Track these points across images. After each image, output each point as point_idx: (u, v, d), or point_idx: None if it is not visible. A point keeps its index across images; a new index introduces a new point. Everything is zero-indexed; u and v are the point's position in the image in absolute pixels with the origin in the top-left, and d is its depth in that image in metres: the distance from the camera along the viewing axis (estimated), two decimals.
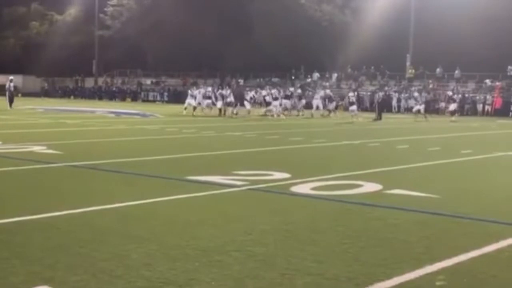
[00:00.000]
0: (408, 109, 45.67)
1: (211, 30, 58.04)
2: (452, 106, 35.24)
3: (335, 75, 54.91)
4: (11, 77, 38.39)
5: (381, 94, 38.10)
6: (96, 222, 6.66)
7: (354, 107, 32.15)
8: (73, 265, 5.01)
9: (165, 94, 60.35)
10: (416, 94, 41.71)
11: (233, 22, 58.44)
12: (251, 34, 56.57)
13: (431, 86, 48.42)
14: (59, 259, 5.20)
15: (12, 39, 75.63)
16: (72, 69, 66.94)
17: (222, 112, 32.86)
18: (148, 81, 65.68)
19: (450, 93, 38.22)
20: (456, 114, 34.93)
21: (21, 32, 75.09)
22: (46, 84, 72.19)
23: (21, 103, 40.04)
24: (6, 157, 12.19)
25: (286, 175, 10.35)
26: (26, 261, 5.11)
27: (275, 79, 56.00)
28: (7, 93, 36.53)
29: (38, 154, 12.94)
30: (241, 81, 58.13)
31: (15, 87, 38.51)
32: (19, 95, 65.87)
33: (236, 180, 9.65)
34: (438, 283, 4.84)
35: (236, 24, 58.22)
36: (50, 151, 13.46)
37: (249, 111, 33.64)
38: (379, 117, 33.14)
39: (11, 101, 35.75)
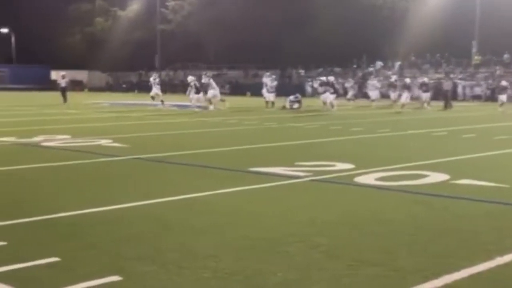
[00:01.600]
0: (475, 97, 44.51)
1: (272, 22, 58.02)
2: None
3: (397, 64, 54.03)
4: (63, 73, 38.97)
5: (450, 82, 37.03)
6: (163, 214, 6.77)
7: (427, 94, 31.92)
8: (141, 256, 5.11)
9: (227, 86, 60.76)
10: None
11: (293, 12, 58.24)
12: (311, 24, 56.26)
13: (498, 72, 47.02)
14: (128, 250, 5.31)
15: (78, 35, 77.58)
16: (135, 63, 68.16)
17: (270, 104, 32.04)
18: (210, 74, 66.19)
19: None
20: None
21: (86, 29, 76.95)
22: (110, 79, 73.76)
23: (86, 98, 41.06)
24: (75, 151, 12.53)
25: (350, 166, 10.26)
26: (96, 252, 5.25)
27: (336, 69, 55.55)
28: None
29: (105, 147, 13.25)
30: (302, 72, 57.99)
31: (67, 82, 38.54)
32: (85, 90, 67.65)
33: (299, 171, 9.64)
34: None
35: (296, 14, 58.01)
36: (117, 144, 13.76)
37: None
38: (449, 105, 32.42)
39: (64, 97, 35.72)
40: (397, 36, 52.04)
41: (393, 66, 54.18)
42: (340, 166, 10.29)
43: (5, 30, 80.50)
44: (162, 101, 31.96)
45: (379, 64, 54.53)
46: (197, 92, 29.32)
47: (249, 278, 4.62)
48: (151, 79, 34.11)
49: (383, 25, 54.34)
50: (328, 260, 5.05)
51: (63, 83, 36.77)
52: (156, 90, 33.08)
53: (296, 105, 31.02)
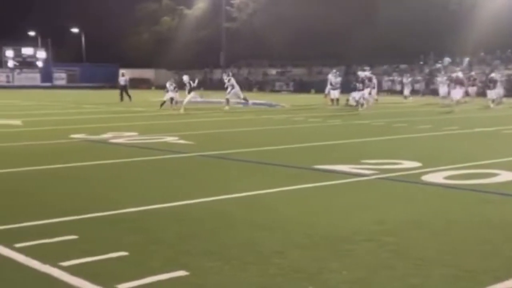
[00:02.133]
0: None
1: (336, 18, 57.59)
2: None
3: (466, 60, 52.71)
4: (122, 71, 39.18)
5: None
6: (227, 210, 6.81)
7: (497, 90, 30.72)
8: (206, 252, 5.15)
9: (291, 83, 60.72)
10: None
11: (358, 8, 57.65)
12: (376, 20, 55.55)
13: None
14: (193, 245, 5.37)
15: (145, 34, 79.05)
16: (201, 61, 68.94)
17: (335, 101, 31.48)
18: (274, 71, 66.33)
19: None
20: None
21: (153, 28, 78.31)
22: (176, 77, 74.86)
23: (153, 95, 41.74)
24: (142, 148, 12.77)
25: (417, 164, 10.06)
26: (162, 247, 5.32)
27: (402, 66, 54.66)
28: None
29: (171, 144, 13.44)
30: (367, 69, 57.27)
31: (127, 80, 38.44)
32: (152, 88, 68.88)
33: (364, 169, 9.52)
34: None
35: (360, 11, 57.39)
36: (182, 141, 13.94)
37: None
38: None
39: (122, 95, 35.95)
40: (465, 31, 50.75)
41: (461, 63, 52.90)
42: (406, 164, 10.11)
43: (75, 30, 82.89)
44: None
45: (447, 60, 53.33)
46: (189, 91, 27.74)
47: (314, 275, 4.59)
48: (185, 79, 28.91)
49: (451, 20, 53.08)
50: (395, 260, 4.96)
51: (122, 81, 37.17)
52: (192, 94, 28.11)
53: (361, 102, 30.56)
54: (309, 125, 19.27)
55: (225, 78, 29.71)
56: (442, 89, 33.69)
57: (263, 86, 62.90)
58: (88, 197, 7.59)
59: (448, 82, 32.25)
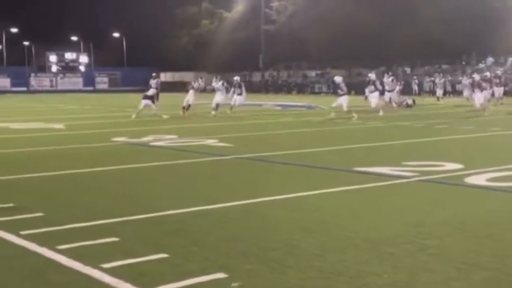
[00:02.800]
0: None
1: (375, 18, 57.11)
2: None
3: (510, 60, 51.68)
4: (154, 74, 37.46)
5: None
6: (266, 213, 6.81)
7: None
8: (246, 254, 5.16)
9: (331, 85, 60.43)
10: None
11: (397, 8, 57.07)
12: (416, 20, 54.90)
13: None
14: (233, 247, 5.38)
15: (185, 37, 79.71)
16: (240, 64, 69.15)
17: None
18: (313, 73, 66.14)
19: None
20: None
21: (193, 31, 78.90)
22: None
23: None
24: (183, 150, 12.87)
25: (459, 166, 9.91)
26: (203, 249, 5.35)
27: (444, 66, 53.90)
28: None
29: (211, 147, 13.52)
30: (408, 70, 56.72)
31: (158, 83, 35.24)
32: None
33: (405, 171, 9.42)
34: None
35: (400, 10, 56.81)
36: (222, 144, 14.00)
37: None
38: None
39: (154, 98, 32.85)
40: (509, 29, 49.75)
41: (505, 63, 51.90)
42: (448, 166, 9.96)
43: (117, 35, 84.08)
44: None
45: (490, 60, 52.36)
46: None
47: (355, 278, 4.56)
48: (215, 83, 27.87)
49: (494, 18, 52.02)
50: (437, 263, 4.89)
51: (153, 84, 35.20)
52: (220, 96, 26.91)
53: (405, 103, 30.18)
54: (349, 127, 19.15)
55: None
56: (466, 92, 31.62)
57: (302, 88, 62.78)
58: (129, 199, 7.69)
59: (469, 85, 30.72)
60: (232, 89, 27.20)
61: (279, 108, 31.67)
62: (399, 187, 8.44)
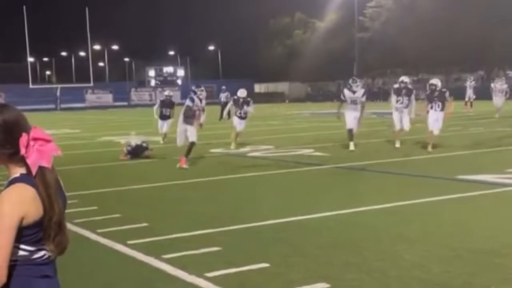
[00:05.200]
0: None
1: (475, 20, 55.33)
2: None
3: None
4: (223, 87, 34.86)
5: None
6: (366, 222, 6.75)
7: None
8: (347, 263, 5.14)
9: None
10: None
11: (498, 8, 55.06)
12: None
13: None
14: (333, 257, 5.37)
15: (278, 48, 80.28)
16: (334, 72, 68.87)
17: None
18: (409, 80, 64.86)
19: None
20: None
21: (286, 41, 79.35)
22: (309, 89, 75.28)
23: (287, 108, 42.28)
24: (279, 160, 12.96)
25: None
26: (303, 258, 5.37)
27: None
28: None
29: (307, 156, 13.53)
30: (511, 73, 54.44)
31: (228, 97, 30.69)
32: (286, 101, 69.73)
33: (510, 179, 9.07)
34: None
35: (503, 10, 54.77)
36: (318, 153, 13.99)
37: None
38: None
39: (222, 112, 30.26)
40: None
41: None
42: None
43: (212, 48, 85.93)
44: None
45: None
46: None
47: None
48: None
49: None
50: None
51: (223, 97, 33.54)
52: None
53: None
54: (449, 134, 18.63)
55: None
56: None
57: None
58: (229, 209, 7.83)
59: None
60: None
61: (374, 116, 31.28)
62: (503, 195, 8.14)
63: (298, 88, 76.27)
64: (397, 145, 14.93)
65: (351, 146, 14.32)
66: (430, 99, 14.50)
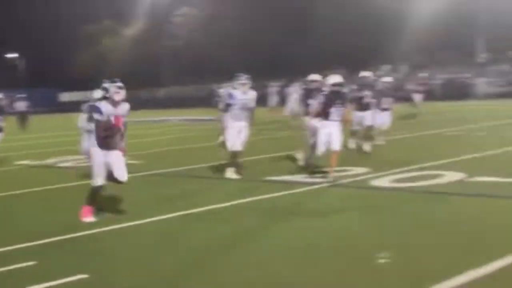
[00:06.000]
0: None
1: (272, 33, 56.95)
2: None
3: None
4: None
5: None
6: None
7: None
8: None
9: None
10: None
11: (294, 22, 57.58)
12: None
13: None
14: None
15: (87, 54, 77.83)
16: (143, 80, 68.07)
17: None
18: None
19: None
20: None
21: (95, 48, 77.16)
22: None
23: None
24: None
25: None
26: None
27: None
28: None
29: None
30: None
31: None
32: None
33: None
34: None
35: (298, 23, 57.43)
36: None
37: None
38: None
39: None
40: None
41: None
42: None
43: (12, 55, 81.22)
44: None
45: None
46: None
47: None
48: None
49: None
50: None
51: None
52: None
53: None
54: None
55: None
56: None
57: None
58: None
59: None
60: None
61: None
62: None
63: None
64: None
65: None
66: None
